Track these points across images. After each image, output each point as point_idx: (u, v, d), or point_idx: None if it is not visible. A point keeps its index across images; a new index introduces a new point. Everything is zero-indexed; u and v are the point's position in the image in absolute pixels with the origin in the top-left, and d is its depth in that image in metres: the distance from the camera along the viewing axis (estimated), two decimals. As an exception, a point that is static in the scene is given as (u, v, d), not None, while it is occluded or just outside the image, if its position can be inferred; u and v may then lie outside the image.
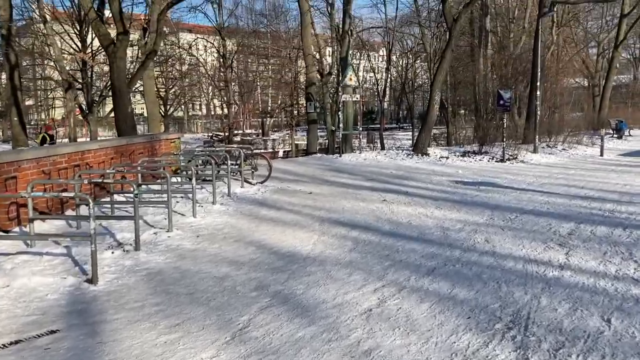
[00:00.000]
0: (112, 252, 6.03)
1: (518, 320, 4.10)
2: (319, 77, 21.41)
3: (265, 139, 41.82)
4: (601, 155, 17.68)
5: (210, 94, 59.42)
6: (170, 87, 55.12)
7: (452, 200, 9.44)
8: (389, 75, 36.80)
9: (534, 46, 19.60)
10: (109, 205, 8.41)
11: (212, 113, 66.59)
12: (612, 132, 25.55)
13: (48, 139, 16.20)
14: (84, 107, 26.36)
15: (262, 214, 8.50)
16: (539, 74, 18.27)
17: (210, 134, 43.17)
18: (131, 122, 12.89)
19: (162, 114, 55.75)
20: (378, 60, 52.83)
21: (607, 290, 4.70)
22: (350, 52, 22.55)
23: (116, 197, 9.10)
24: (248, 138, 43.44)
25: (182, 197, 9.59)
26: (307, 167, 15.27)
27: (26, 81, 34.60)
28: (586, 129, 25.26)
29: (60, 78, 25.21)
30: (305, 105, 21.21)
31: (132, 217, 6.17)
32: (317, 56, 24.57)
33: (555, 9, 21.23)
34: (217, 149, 12.15)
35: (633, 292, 4.62)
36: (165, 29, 47.34)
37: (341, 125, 17.30)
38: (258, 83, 47.27)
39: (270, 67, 46.81)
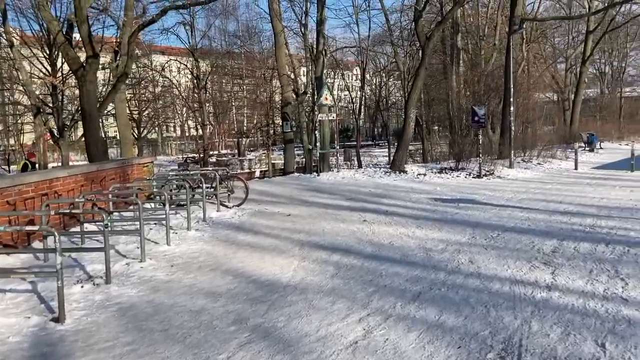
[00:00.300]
0: (82, 286, 5.71)
1: (510, 348, 3.93)
2: (294, 96, 21.31)
3: (242, 159, 41.42)
4: (575, 168, 17.85)
5: (185, 115, 58.98)
6: (144, 109, 54.57)
7: (432, 219, 9.31)
8: (364, 94, 36.99)
9: (505, 62, 19.84)
10: (79, 236, 8.05)
11: (187, 134, 66.07)
12: (584, 146, 25.93)
13: (30, 166, 15.46)
14: (54, 131, 25.81)
15: (240, 239, 8.24)
16: (512, 89, 18.45)
17: (185, 157, 42.62)
18: (102, 147, 12.54)
19: (136, 136, 55.10)
20: (352, 79, 53.13)
21: (597, 311, 4.57)
22: (325, 71, 22.54)
23: (87, 226, 8.77)
24: (224, 159, 43.02)
25: (155, 224, 9.27)
26: (285, 187, 15.05)
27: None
28: (559, 143, 25.60)
29: (29, 102, 24.68)
30: (281, 124, 21.07)
31: (103, 248, 5.85)
32: (292, 76, 24.49)
33: (524, 26, 21.56)
34: (191, 172, 11.84)
35: (624, 313, 4.49)
36: (137, 51, 46.98)
37: (318, 144, 17.16)
38: (233, 103, 47.03)
39: (245, 87, 46.65)
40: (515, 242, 7.29)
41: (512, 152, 17.92)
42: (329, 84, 29.17)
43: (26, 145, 38.48)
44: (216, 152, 49.74)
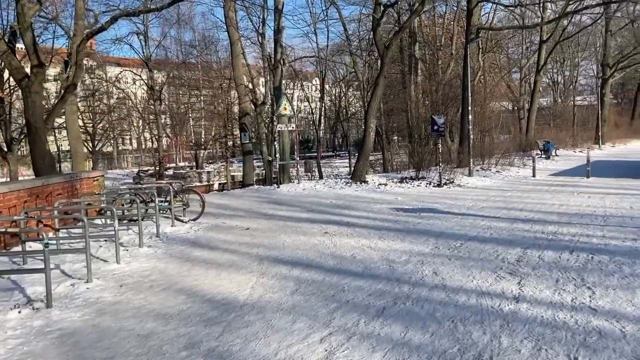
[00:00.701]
0: (19, 312, 5.23)
1: (481, 366, 3.71)
2: (252, 107, 20.97)
3: (200, 172, 40.72)
4: (533, 176, 18.07)
5: (141, 127, 57.78)
6: (98, 121, 53.12)
7: (395, 230, 9.12)
8: (323, 104, 36.90)
9: (463, 71, 20.03)
10: (21, 256, 7.49)
11: (144, 147, 64.72)
12: (540, 153, 26.42)
13: None
14: (2, 146, 24.69)
15: (195, 256, 7.83)
16: (470, 98, 18.60)
17: (138, 170, 41.44)
18: (50, 161, 11.92)
19: (90, 149, 53.56)
20: (312, 90, 53.12)
21: (567, 323, 4.41)
22: (284, 81, 22.31)
23: (32, 244, 8.21)
24: (181, 171, 42.20)
25: (105, 240, 8.76)
26: (244, 200, 14.66)
27: None
28: (516, 151, 26.02)
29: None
30: (239, 135, 20.67)
31: (43, 269, 5.39)
32: (250, 86, 24.17)
33: (480, 35, 21.88)
34: (143, 185, 11.34)
35: (594, 324, 4.34)
36: (90, 62, 45.76)
37: (277, 155, 16.84)
38: (190, 115, 46.26)
39: (202, 98, 46.00)
40: (479, 252, 7.15)
41: (471, 160, 18.03)
42: (288, 94, 28.97)
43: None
44: (173, 165, 48.86)
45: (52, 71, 28.96)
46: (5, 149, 25.03)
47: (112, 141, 58.35)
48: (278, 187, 16.28)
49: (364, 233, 8.93)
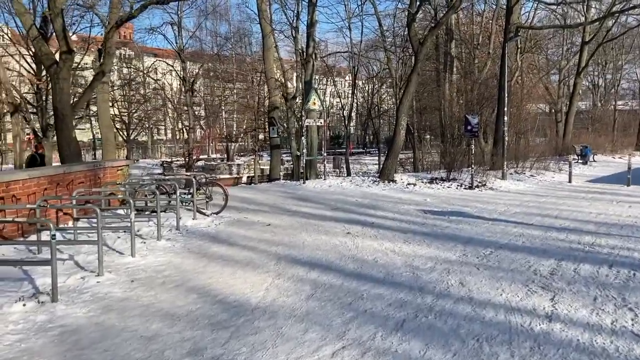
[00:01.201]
0: (24, 305, 5.06)
1: (507, 396, 3.33)
2: (282, 101, 20.72)
3: (230, 164, 40.88)
4: (569, 181, 17.36)
5: (176, 118, 58.38)
6: (134, 111, 53.80)
7: (421, 233, 8.72)
8: (355, 100, 36.48)
9: (500, 70, 19.36)
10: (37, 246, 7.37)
11: (177, 137, 65.34)
12: (577, 158, 25.51)
13: (39, 159, 14.22)
14: (38, 132, 25.13)
15: (212, 251, 7.60)
16: (506, 98, 17.95)
17: (163, 160, 41.58)
18: (75, 149, 11.87)
19: (125, 138, 54.30)
20: (344, 86, 52.72)
21: (607, 350, 3.98)
22: (316, 76, 22.00)
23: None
24: (212, 163, 42.43)
25: (124, 232, 8.59)
26: (269, 194, 14.43)
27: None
28: (551, 155, 25.15)
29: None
30: (267, 129, 20.42)
31: (49, 261, 5.20)
32: (282, 80, 23.95)
33: (520, 34, 21.11)
34: (167, 177, 11.18)
35: (637, 352, 3.91)
36: (125, 51, 46.24)
37: (304, 150, 16.56)
38: (223, 107, 46.39)
39: (235, 91, 46.08)
40: (510, 262, 6.72)
41: (505, 163, 17.40)
42: (317, 88, 28.58)
43: (9, 144, 37.52)
44: (205, 156, 49.19)
45: (88, 59, 29.27)
46: (41, 135, 25.49)
47: (146, 131, 59.07)
48: (304, 183, 16.00)
49: (388, 235, 8.57)
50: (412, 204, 12.35)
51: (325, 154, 17.14)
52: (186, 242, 8.23)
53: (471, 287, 5.66)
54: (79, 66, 26.78)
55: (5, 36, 26.33)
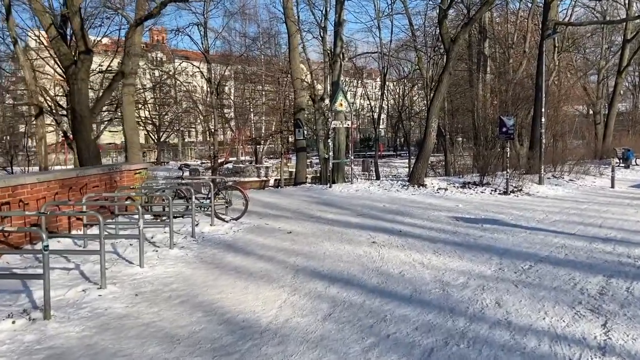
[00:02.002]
0: (13, 322, 4.63)
1: None
2: (309, 102, 20.23)
3: (259, 167, 40.70)
4: (612, 186, 16.36)
5: (205, 120, 58.62)
6: (164, 113, 54.19)
7: (452, 243, 8.08)
8: (386, 102, 35.76)
9: (537, 69, 18.44)
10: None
11: (208, 139, 65.60)
12: (618, 162, 24.31)
13: None
14: (68, 133, 25.31)
15: (227, 261, 7.11)
16: (544, 98, 17.05)
17: (182, 163, 41.41)
18: (94, 151, 11.60)
19: (155, 140, 54.69)
20: (375, 88, 52.04)
21: (677, 395, 3.32)
22: (345, 78, 21.44)
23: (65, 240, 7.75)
24: (240, 166, 42.32)
25: (137, 239, 8.20)
26: (293, 199, 13.93)
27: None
28: (590, 159, 24.00)
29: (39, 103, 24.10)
30: (294, 131, 19.92)
31: (41, 275, 4.77)
32: (309, 80, 23.48)
33: (558, 30, 20.11)
34: (184, 180, 10.77)
35: None
36: (157, 54, 46.42)
37: (330, 153, 15.99)
38: (252, 109, 46.26)
39: (264, 93, 45.92)
40: (552, 278, 6.03)
41: (542, 166, 16.49)
42: (344, 89, 27.90)
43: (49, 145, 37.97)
44: (234, 159, 49.18)
45: (115, 62, 29.27)
46: (71, 137, 25.64)
47: (177, 133, 59.45)
48: (330, 187, 15.45)
49: (416, 245, 7.95)
50: (443, 210, 11.68)
51: (352, 157, 16.55)
52: (200, 250, 7.76)
53: (509, 308, 5.02)
54: (109, 69, 26.88)
55: (36, 39, 26.59)
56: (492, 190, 14.78)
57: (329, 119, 16.28)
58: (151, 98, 49.52)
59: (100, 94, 14.41)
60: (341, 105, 15.58)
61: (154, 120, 52.32)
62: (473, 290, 5.62)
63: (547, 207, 12.00)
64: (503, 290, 5.61)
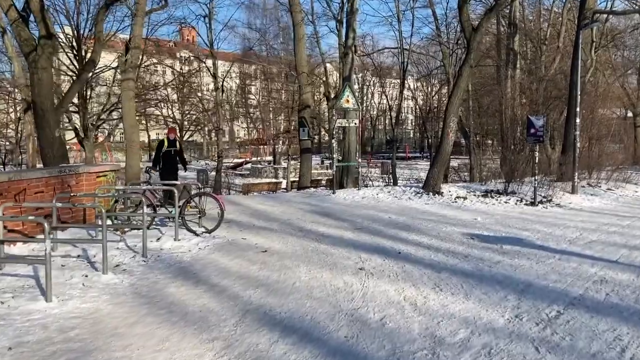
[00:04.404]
0: None
1: None
2: (318, 98, 18.68)
3: (276, 168, 39.52)
4: (658, 197, 14.34)
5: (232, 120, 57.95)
6: (187, 112, 53.48)
7: (460, 273, 6.40)
8: (413, 101, 33.91)
9: (571, 64, 16.45)
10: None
11: (234, 139, 65.06)
12: (663, 169, 21.99)
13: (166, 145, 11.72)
14: (79, 131, 24.57)
15: (165, 294, 5.59)
16: (578, 97, 15.05)
17: (147, 166, 40.21)
18: (60, 150, 10.25)
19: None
20: (396, 86, 50.25)
21: None
22: (359, 74, 19.81)
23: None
24: (258, 166, 41.21)
25: (76, 258, 6.78)
26: (288, 206, 12.37)
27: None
28: (630, 165, 21.76)
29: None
30: (297, 130, 18.35)
31: None
32: (324, 77, 21.92)
33: (597, 19, 17.98)
34: (148, 187, 9.29)
35: None
36: (187, 54, 45.88)
37: (334, 155, 14.35)
38: (271, 109, 45.06)
39: (283, 91, 44.73)
40: (590, 336, 4.33)
41: (576, 173, 14.53)
42: (368, 88, 26.27)
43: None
44: (254, 159, 48.18)
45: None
46: (82, 135, 24.81)
47: (201, 132, 58.69)
48: (334, 193, 13.83)
49: (414, 275, 6.30)
50: (458, 224, 9.94)
51: (359, 160, 14.89)
52: (142, 276, 6.25)
53: (524, 395, 3.36)
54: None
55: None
56: (517, 200, 12.95)
57: (334, 117, 14.65)
58: (180, 97, 48.83)
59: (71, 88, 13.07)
60: (347, 101, 13.91)
61: (176, 119, 51.53)
62: (474, 355, 3.97)
63: (581, 223, 10.15)
64: (518, 355, 3.95)
